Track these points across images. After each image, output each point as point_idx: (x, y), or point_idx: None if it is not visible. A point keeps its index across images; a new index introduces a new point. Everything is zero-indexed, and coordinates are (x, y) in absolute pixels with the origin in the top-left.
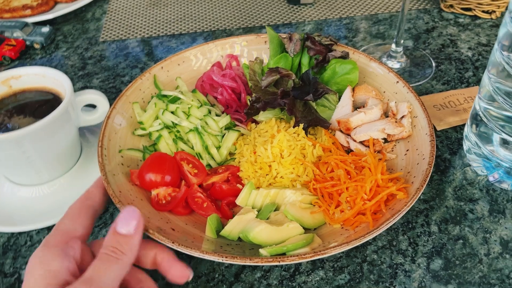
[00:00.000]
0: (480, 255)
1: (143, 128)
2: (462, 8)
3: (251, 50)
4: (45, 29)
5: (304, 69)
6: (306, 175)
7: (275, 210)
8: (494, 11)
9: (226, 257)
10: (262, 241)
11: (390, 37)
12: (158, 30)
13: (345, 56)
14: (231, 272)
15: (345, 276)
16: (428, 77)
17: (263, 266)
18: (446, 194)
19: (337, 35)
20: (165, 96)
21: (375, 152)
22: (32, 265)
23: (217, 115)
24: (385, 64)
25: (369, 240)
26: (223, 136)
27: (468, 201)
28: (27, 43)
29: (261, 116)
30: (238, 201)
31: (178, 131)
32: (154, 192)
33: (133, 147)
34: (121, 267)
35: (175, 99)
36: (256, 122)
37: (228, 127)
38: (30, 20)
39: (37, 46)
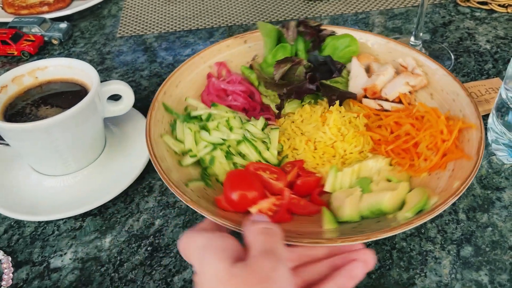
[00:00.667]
0: (510, 241)
1: (193, 156)
2: (478, 2)
3: (234, 54)
4: (63, 25)
5: (300, 54)
6: (368, 144)
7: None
8: (510, 5)
9: (370, 236)
10: (391, 208)
11: (407, 31)
12: (175, 26)
13: (335, 32)
14: None
15: (375, 264)
16: (448, 69)
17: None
18: (472, 182)
19: None
20: (195, 117)
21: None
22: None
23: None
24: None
25: None
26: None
27: (495, 189)
28: (46, 39)
29: (288, 108)
30: (328, 188)
31: (229, 146)
32: (254, 209)
33: (183, 177)
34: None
35: (208, 117)
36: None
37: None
38: (47, 16)
39: (55, 42)
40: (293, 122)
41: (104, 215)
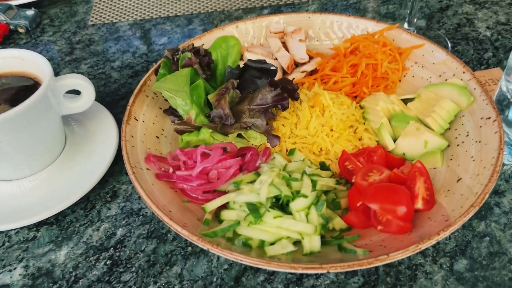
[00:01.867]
0: (510, 253)
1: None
2: None
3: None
4: (30, 12)
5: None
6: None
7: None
8: None
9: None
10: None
11: (401, 17)
12: (152, 12)
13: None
14: (230, 276)
15: (359, 279)
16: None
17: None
18: None
19: None
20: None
21: None
22: None
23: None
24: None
25: None
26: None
27: (493, 193)
28: (11, 27)
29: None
30: (392, 144)
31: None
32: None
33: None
34: None
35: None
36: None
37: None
38: (14, 2)
39: (21, 30)
40: (289, 137)
41: (61, 224)
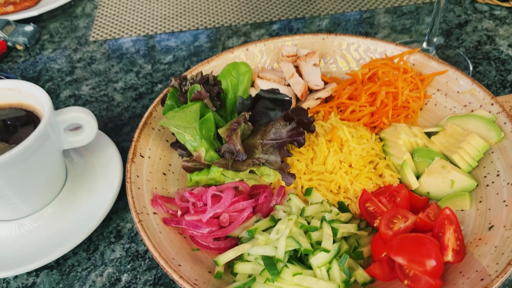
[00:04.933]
0: None
1: None
2: None
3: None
4: (29, 27)
5: (211, 112)
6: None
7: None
8: None
9: None
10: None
11: (417, 32)
12: (156, 27)
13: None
14: None
15: None
16: None
17: None
18: None
19: (357, 31)
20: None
21: None
22: None
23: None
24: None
25: None
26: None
27: None
28: (9, 44)
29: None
30: (416, 185)
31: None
32: (449, 256)
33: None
34: None
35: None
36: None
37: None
38: (12, 17)
39: (20, 47)
40: (304, 174)
41: (62, 268)
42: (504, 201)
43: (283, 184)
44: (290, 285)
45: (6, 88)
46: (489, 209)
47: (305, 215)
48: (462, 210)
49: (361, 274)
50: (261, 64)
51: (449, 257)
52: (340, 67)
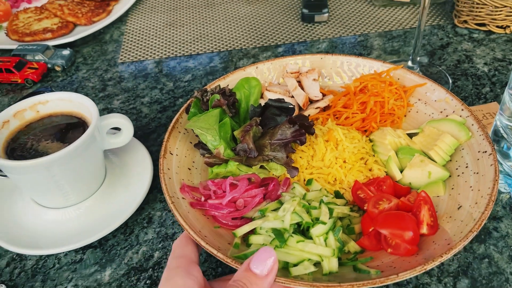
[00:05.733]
0: (507, 273)
1: None
2: (476, 24)
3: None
4: (66, 51)
5: (228, 119)
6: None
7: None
8: (509, 26)
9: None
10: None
11: (405, 53)
12: (175, 51)
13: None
14: None
15: None
16: None
17: None
18: None
19: (352, 52)
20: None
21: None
22: (161, 285)
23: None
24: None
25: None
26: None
27: (491, 219)
28: (49, 66)
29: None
30: (399, 175)
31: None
32: (424, 229)
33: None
34: None
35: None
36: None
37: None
38: (51, 43)
39: (58, 68)
40: (306, 168)
41: (104, 247)
42: (471, 187)
43: (288, 176)
44: (295, 250)
45: (59, 98)
46: (459, 194)
47: (306, 199)
48: (438, 196)
49: (353, 246)
50: (269, 79)
51: (424, 229)
52: (335, 81)
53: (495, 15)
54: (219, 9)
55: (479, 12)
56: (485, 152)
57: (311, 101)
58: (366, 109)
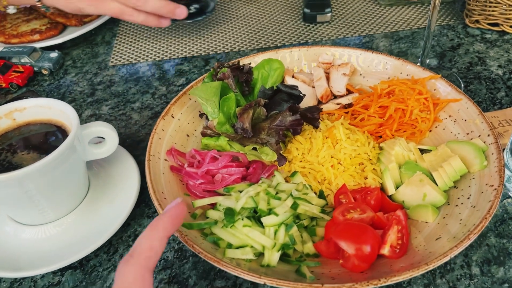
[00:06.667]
0: None
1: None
2: (488, 24)
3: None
4: (54, 54)
5: (239, 97)
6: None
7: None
8: None
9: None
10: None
11: (413, 55)
12: (170, 53)
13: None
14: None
15: None
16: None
17: None
18: (485, 229)
19: None
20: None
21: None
22: None
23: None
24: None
25: (404, 284)
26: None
27: (511, 238)
28: (35, 69)
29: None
30: (393, 189)
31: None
32: (385, 250)
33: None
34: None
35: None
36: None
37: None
38: (39, 45)
39: (45, 72)
40: (300, 161)
41: (85, 268)
42: (461, 220)
43: (276, 164)
44: (241, 234)
45: (38, 105)
46: (447, 225)
47: (278, 189)
48: (426, 222)
49: (309, 247)
50: (301, 66)
51: (386, 251)
52: (369, 80)
53: (509, 14)
54: (216, 9)
55: (492, 11)
56: (492, 185)
57: (335, 96)
58: (385, 115)
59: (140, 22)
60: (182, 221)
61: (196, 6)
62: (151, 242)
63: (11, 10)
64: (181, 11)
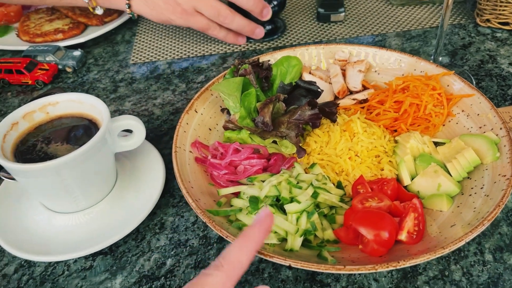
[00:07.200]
0: None
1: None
2: (499, 23)
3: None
4: (77, 52)
5: (259, 92)
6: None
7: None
8: None
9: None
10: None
11: (425, 53)
12: (188, 51)
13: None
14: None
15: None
16: None
17: None
18: (497, 218)
19: None
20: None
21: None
22: None
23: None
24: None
25: (419, 270)
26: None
27: None
28: (60, 67)
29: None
30: (408, 180)
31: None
32: (403, 236)
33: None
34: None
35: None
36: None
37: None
38: (62, 44)
39: (69, 70)
40: (319, 154)
41: (114, 254)
42: (474, 208)
43: (296, 156)
44: None
45: (70, 100)
46: (461, 213)
47: (299, 179)
48: (441, 211)
49: (329, 234)
50: (317, 64)
51: (403, 237)
52: (384, 77)
53: None
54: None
55: (503, 10)
56: (504, 175)
57: (351, 92)
58: (400, 110)
59: (220, 38)
60: (270, 232)
61: (269, 27)
62: (241, 255)
63: (99, 11)
64: (260, 32)
